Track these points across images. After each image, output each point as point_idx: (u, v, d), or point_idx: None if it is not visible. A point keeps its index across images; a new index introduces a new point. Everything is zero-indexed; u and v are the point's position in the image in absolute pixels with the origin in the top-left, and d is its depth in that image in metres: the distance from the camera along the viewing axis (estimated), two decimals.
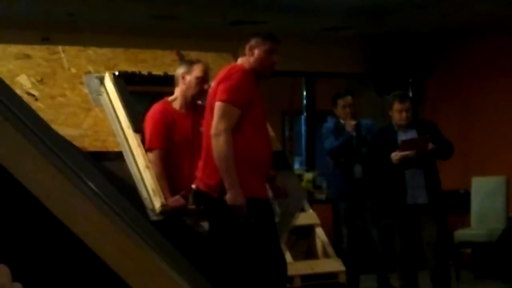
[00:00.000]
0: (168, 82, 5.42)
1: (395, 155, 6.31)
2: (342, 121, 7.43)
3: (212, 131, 4.40)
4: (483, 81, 9.55)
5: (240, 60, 4.65)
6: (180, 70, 5.23)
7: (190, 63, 5.27)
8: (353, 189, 7.32)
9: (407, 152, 6.27)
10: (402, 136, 6.42)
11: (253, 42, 4.60)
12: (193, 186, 4.66)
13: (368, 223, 7.38)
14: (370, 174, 7.39)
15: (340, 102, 7.44)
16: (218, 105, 4.42)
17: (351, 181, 7.32)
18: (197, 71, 5.17)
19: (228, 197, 4.34)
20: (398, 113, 6.45)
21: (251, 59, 4.58)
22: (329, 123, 7.54)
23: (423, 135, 6.40)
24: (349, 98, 7.44)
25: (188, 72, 5.18)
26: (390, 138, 6.47)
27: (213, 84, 4.65)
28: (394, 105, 6.47)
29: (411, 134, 6.44)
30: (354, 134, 7.34)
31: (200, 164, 4.60)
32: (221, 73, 4.57)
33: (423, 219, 6.34)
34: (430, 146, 6.29)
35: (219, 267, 4.40)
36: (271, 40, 4.64)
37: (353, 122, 7.35)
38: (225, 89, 4.42)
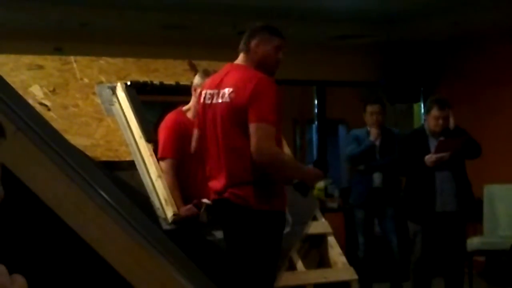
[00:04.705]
0: (180, 91, 5.41)
1: (430, 157, 6.10)
2: (369, 129, 7.45)
3: (264, 152, 4.07)
4: (495, 89, 9.52)
5: (241, 58, 4.35)
6: (194, 82, 5.16)
7: (205, 76, 5.11)
8: (371, 198, 7.30)
9: (442, 154, 6.06)
10: (433, 142, 6.22)
11: (258, 38, 4.32)
12: (206, 200, 4.48)
13: (389, 232, 7.32)
14: (390, 183, 7.34)
15: (369, 109, 7.46)
16: (264, 127, 4.07)
17: (369, 190, 7.31)
18: None
19: (310, 180, 4.40)
20: (434, 119, 6.23)
21: (255, 57, 4.29)
22: (358, 130, 7.57)
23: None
24: (376, 106, 7.47)
25: (200, 86, 5.11)
26: (421, 143, 6.27)
27: (231, 91, 4.21)
28: (432, 111, 6.25)
29: None
30: (376, 143, 7.35)
31: (221, 175, 4.24)
32: (247, 84, 4.15)
33: (450, 226, 6.19)
34: (462, 141, 6.09)
35: (236, 277, 4.28)
36: (278, 36, 4.36)
37: (377, 131, 7.36)
38: (268, 109, 4.09)
